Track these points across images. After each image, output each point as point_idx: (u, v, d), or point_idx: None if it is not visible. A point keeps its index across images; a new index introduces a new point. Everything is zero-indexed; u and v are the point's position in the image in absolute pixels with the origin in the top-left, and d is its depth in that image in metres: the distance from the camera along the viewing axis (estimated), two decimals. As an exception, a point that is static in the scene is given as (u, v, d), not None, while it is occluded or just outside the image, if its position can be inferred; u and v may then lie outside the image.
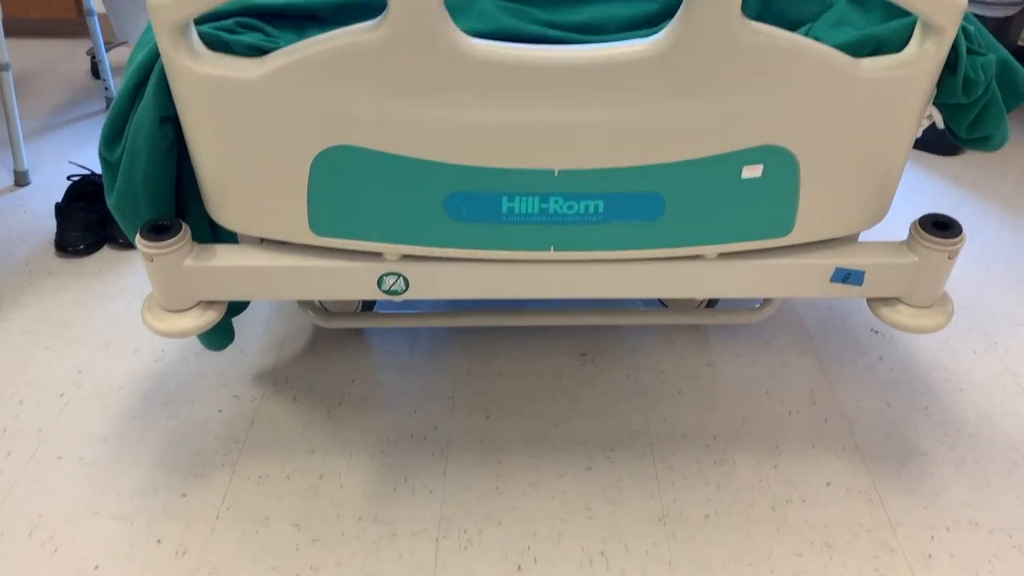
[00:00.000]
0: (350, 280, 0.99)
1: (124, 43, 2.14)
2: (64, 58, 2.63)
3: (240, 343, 1.43)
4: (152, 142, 0.93)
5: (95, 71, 2.43)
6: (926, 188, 1.91)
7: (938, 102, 0.94)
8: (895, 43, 0.87)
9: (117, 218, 1.00)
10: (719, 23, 0.79)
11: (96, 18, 2.13)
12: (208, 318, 1.02)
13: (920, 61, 0.86)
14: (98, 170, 1.72)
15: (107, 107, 2.27)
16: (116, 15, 1.84)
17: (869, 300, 1.05)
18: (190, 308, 1.02)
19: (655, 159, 0.88)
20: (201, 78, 0.85)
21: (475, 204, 0.91)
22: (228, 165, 0.92)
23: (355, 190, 0.91)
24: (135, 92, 0.94)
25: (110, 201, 0.99)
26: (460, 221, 0.93)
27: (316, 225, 0.95)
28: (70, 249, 1.65)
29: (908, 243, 1.00)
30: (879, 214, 0.98)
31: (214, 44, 0.87)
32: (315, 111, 0.86)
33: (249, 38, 0.86)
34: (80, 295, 1.56)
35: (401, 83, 0.83)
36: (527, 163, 0.88)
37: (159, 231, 0.97)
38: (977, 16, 1.81)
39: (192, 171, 0.99)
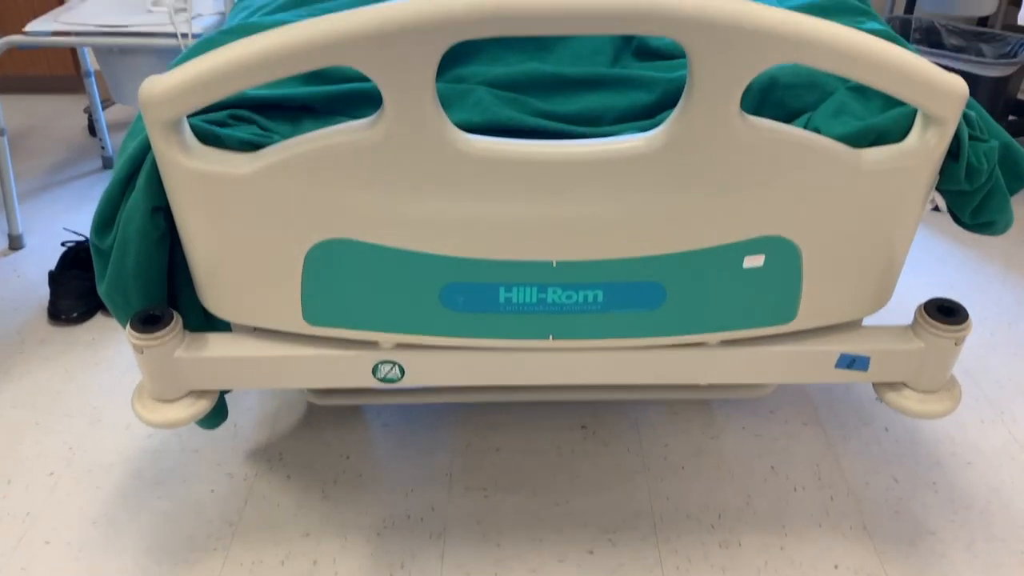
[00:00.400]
0: (345, 369, 0.97)
1: (121, 102, 2.14)
2: (62, 114, 2.63)
3: (234, 417, 1.41)
4: (143, 232, 0.91)
5: (92, 129, 2.43)
6: (925, 246, 1.90)
7: (941, 188, 0.93)
8: (896, 132, 0.86)
9: (108, 306, 0.98)
10: (717, 120, 0.78)
11: (93, 78, 2.13)
12: (200, 407, 1.00)
13: (922, 152, 0.84)
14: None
15: (103, 166, 2.26)
16: (112, 79, 1.84)
17: (875, 384, 1.02)
18: (181, 398, 1.00)
19: (655, 250, 0.87)
20: (193, 173, 0.84)
21: (472, 295, 0.89)
22: (220, 257, 0.91)
23: (349, 281, 0.90)
24: (127, 182, 0.92)
25: (101, 289, 0.97)
26: (456, 311, 0.91)
27: (310, 315, 0.93)
28: (63, 317, 1.63)
29: (913, 328, 0.98)
30: (883, 299, 0.97)
31: (206, 137, 0.86)
32: (309, 206, 0.84)
33: (242, 133, 0.85)
34: (72, 366, 1.53)
35: (397, 180, 0.82)
36: (525, 255, 0.87)
37: (150, 322, 0.95)
38: (976, 75, 1.81)
39: (185, 256, 0.97)
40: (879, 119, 0.85)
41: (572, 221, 0.84)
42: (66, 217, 2.02)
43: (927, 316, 0.95)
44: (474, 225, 0.85)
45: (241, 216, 0.86)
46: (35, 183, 2.20)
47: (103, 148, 2.24)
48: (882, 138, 0.86)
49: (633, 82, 0.92)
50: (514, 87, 0.93)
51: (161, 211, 0.92)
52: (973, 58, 1.81)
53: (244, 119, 0.89)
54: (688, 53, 0.74)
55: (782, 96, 0.90)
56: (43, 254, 1.88)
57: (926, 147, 0.84)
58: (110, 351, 1.57)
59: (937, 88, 0.79)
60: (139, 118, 0.97)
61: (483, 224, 0.84)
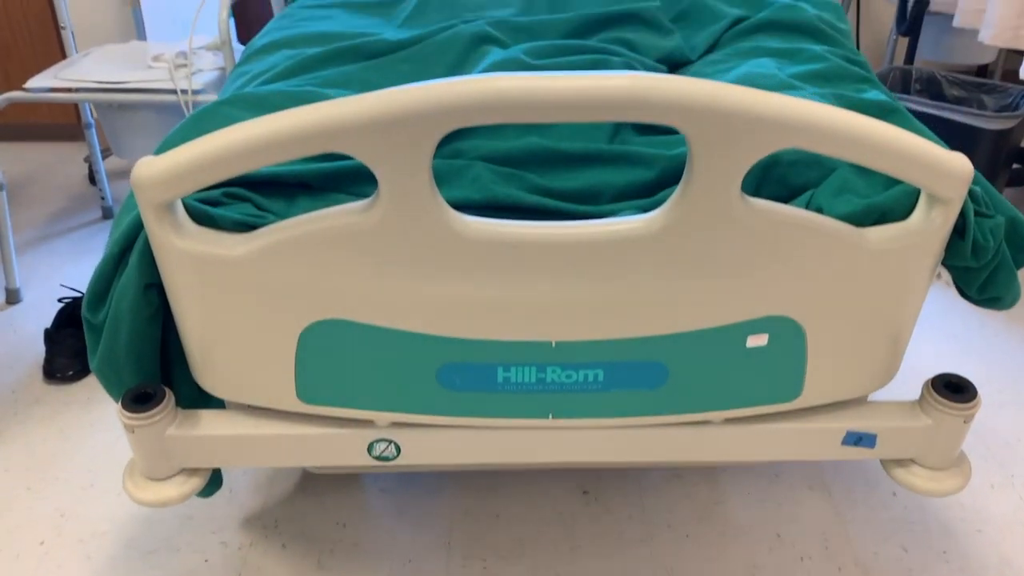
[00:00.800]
0: (339, 447, 0.95)
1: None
2: (63, 162, 2.62)
3: (229, 482, 1.38)
4: (136, 310, 0.90)
5: (92, 178, 2.43)
6: (930, 298, 1.88)
7: (946, 263, 0.91)
8: (900, 211, 0.84)
9: (100, 381, 0.96)
10: (717, 204, 0.76)
11: (94, 130, 2.13)
12: (192, 485, 0.98)
13: (927, 231, 0.83)
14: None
15: (103, 216, 2.26)
16: (112, 134, 1.84)
17: (882, 460, 1.00)
18: (173, 476, 0.98)
19: (656, 331, 0.85)
20: (186, 254, 0.83)
21: (469, 374, 0.88)
22: (213, 335, 0.89)
23: (344, 361, 0.88)
24: (120, 258, 0.91)
25: (93, 364, 0.96)
26: (454, 391, 0.89)
27: (304, 394, 0.91)
28: (58, 376, 1.61)
29: (921, 404, 0.96)
30: (890, 374, 0.95)
31: (200, 217, 0.84)
32: (303, 288, 0.83)
33: (236, 213, 0.84)
34: (67, 426, 1.51)
35: (393, 263, 0.80)
36: (523, 335, 0.85)
37: (141, 400, 0.93)
38: (979, 128, 1.80)
39: (178, 331, 0.96)
40: (882, 198, 0.84)
41: (571, 302, 0.83)
42: (64, 270, 2.01)
43: (935, 393, 0.93)
44: (471, 306, 0.83)
45: (235, 296, 0.85)
46: (34, 233, 2.19)
47: (103, 198, 2.24)
48: (886, 216, 0.84)
49: (632, 159, 0.90)
50: (512, 162, 0.92)
51: (154, 287, 0.91)
52: (975, 111, 1.81)
53: (239, 197, 0.88)
54: (687, 140, 0.72)
55: (784, 173, 0.88)
56: (40, 308, 1.86)
57: (931, 226, 0.83)
58: (105, 410, 1.55)
59: (941, 170, 0.78)
60: (132, 194, 0.96)
61: (480, 305, 0.83)
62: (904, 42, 2.32)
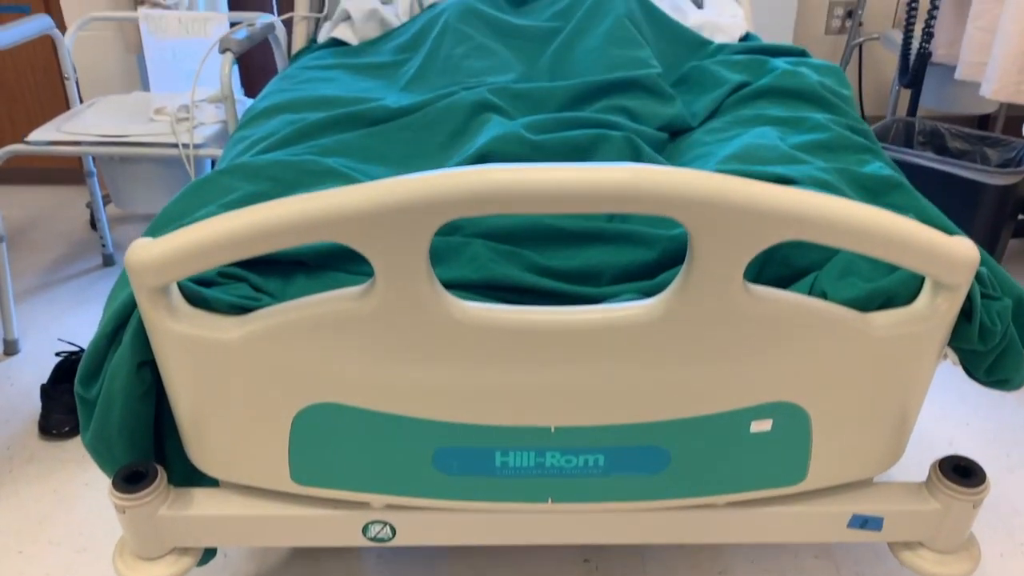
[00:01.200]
0: (334, 529, 0.93)
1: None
2: (64, 206, 2.62)
3: (222, 547, 1.36)
4: (128, 389, 0.89)
5: (94, 224, 2.42)
6: (936, 353, 1.86)
7: (953, 345, 0.89)
8: (905, 294, 0.83)
9: (92, 457, 0.95)
10: (719, 294, 0.75)
11: (95, 178, 2.13)
12: (184, 564, 0.96)
13: (932, 317, 0.81)
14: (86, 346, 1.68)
15: (103, 263, 2.25)
16: (113, 185, 1.84)
17: (890, 543, 0.98)
18: (164, 555, 0.96)
19: (657, 417, 0.83)
20: (180, 336, 0.82)
21: (466, 459, 0.86)
22: (207, 415, 0.87)
23: (339, 444, 0.86)
24: (113, 336, 0.90)
25: (85, 440, 0.94)
26: (450, 474, 0.87)
27: (298, 475, 0.90)
28: (53, 432, 1.59)
29: (928, 487, 0.94)
30: (896, 456, 0.93)
31: (194, 298, 0.83)
32: (297, 372, 0.82)
33: (230, 296, 0.82)
34: (61, 486, 1.49)
35: (389, 349, 0.79)
36: (522, 421, 0.83)
37: (133, 479, 0.91)
38: (982, 183, 1.80)
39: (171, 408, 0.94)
40: (887, 282, 0.82)
41: (570, 388, 0.81)
42: (64, 320, 2.00)
43: (943, 477, 0.91)
44: (469, 391, 0.82)
45: (228, 379, 0.84)
46: (34, 281, 2.18)
47: (104, 245, 2.23)
48: (891, 301, 0.83)
49: (633, 238, 0.89)
50: (511, 239, 0.91)
51: (148, 365, 0.90)
52: (979, 166, 1.80)
53: (234, 276, 0.87)
54: (688, 232, 0.71)
55: (787, 254, 0.87)
56: (38, 360, 1.85)
57: (936, 312, 0.81)
58: (100, 470, 1.53)
59: (946, 258, 0.77)
60: (126, 271, 0.95)
61: (478, 390, 0.81)
62: (907, 90, 2.32)
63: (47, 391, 1.60)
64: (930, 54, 2.11)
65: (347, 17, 1.59)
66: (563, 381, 0.81)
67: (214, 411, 0.87)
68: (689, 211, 0.70)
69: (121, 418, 0.90)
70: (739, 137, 1.12)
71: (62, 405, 1.59)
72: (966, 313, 0.85)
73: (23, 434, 1.62)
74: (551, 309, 0.78)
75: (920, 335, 0.82)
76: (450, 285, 0.87)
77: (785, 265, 0.88)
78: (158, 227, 0.99)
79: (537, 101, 1.19)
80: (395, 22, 1.57)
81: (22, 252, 2.32)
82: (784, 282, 0.88)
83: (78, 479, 1.50)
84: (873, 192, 0.99)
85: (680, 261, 0.88)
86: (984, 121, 2.64)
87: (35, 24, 1.84)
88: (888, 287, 0.82)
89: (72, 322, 1.99)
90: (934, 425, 1.64)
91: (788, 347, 0.80)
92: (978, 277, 0.86)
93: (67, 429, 1.59)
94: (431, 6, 1.56)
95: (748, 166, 1.01)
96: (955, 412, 1.67)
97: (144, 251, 0.77)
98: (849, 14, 2.81)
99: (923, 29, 2.09)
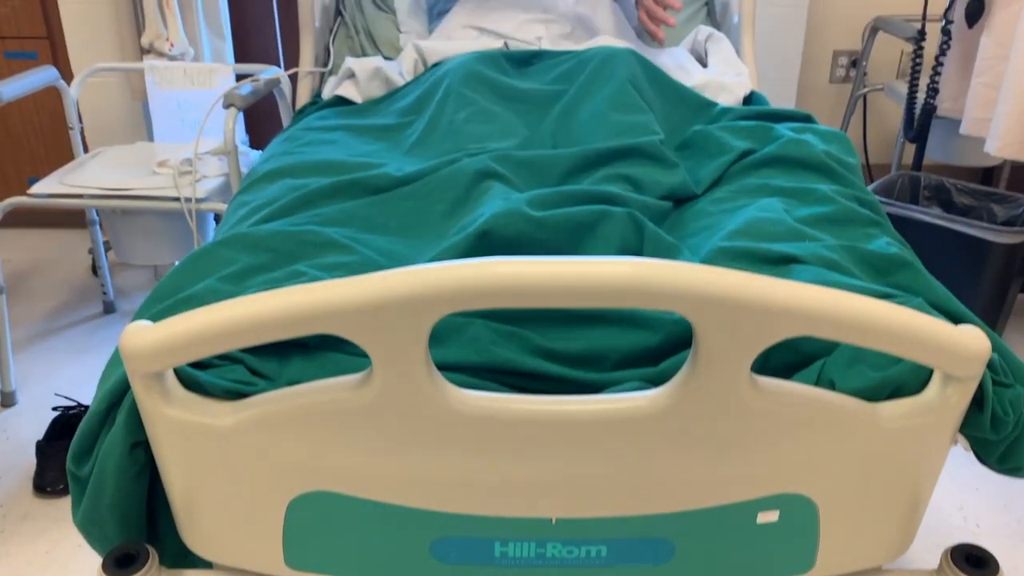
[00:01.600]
0: (329, 614, 0.91)
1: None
2: (67, 250, 2.62)
3: (218, 615, 1.33)
4: (121, 469, 0.87)
5: (95, 269, 2.42)
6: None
7: (964, 432, 0.88)
8: (915, 383, 0.81)
9: (83, 536, 0.93)
10: (725, 387, 0.73)
11: (98, 226, 2.12)
12: (174, 648, 0.93)
13: (942, 408, 0.80)
14: (84, 400, 1.67)
15: (104, 311, 2.24)
16: (115, 237, 1.84)
17: (899, 632, 0.95)
18: (154, 639, 0.93)
19: (661, 509, 0.81)
20: (173, 421, 0.80)
21: (465, 549, 0.84)
22: (200, 499, 0.86)
23: (334, 531, 0.84)
24: (106, 415, 0.88)
25: (76, 519, 0.92)
26: (447, 563, 0.85)
27: (292, 560, 0.88)
28: (48, 489, 1.57)
29: (939, 576, 0.91)
30: (906, 544, 0.91)
31: (188, 381, 0.82)
32: (291, 460, 0.80)
33: (225, 381, 0.81)
34: (54, 547, 1.47)
35: (387, 439, 0.77)
36: (522, 512, 0.81)
37: (124, 561, 0.89)
38: (989, 242, 1.78)
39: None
40: (896, 371, 0.81)
41: (572, 479, 0.79)
42: (62, 371, 1.99)
43: (955, 567, 0.89)
44: (468, 482, 0.80)
45: (222, 464, 0.82)
46: (33, 329, 2.17)
47: (104, 293, 2.23)
48: (900, 390, 0.81)
49: (637, 321, 0.88)
50: (513, 319, 0.90)
51: (142, 444, 0.88)
52: (986, 224, 1.79)
53: (230, 357, 0.86)
54: (693, 327, 0.70)
55: (795, 340, 0.85)
56: (35, 413, 1.83)
57: (947, 404, 0.80)
58: (94, 530, 1.51)
59: (956, 351, 0.75)
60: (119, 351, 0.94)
61: (477, 481, 0.79)
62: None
63: (42, 448, 1.58)
64: (935, 108, 2.11)
65: (351, 75, 1.59)
66: (565, 472, 0.79)
67: (207, 495, 0.85)
68: (694, 307, 0.68)
69: (113, 498, 0.88)
70: (744, 208, 1.11)
71: (57, 462, 1.57)
72: (977, 402, 0.83)
73: (17, 490, 1.60)
74: (553, 399, 0.76)
75: (930, 426, 0.80)
76: (449, 367, 0.86)
77: (793, 351, 0.86)
78: (156, 300, 0.97)
79: (539, 169, 1.18)
80: (399, 81, 1.57)
81: (22, 298, 2.32)
82: (791, 368, 0.86)
83: (71, 540, 1.48)
84: (881, 271, 0.98)
85: (685, 345, 0.86)
86: (989, 173, 2.63)
87: (41, 76, 1.85)
88: (897, 377, 0.80)
89: (71, 373, 1.97)
90: (944, 490, 1.61)
91: (795, 439, 0.78)
92: (990, 364, 0.84)
93: (62, 487, 1.57)
94: (435, 65, 1.56)
95: (754, 243, 0.99)
96: (966, 476, 1.65)
97: (139, 337, 0.75)
98: (853, 63, 2.82)
99: (928, 85, 2.09)
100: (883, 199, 1.93)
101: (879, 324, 0.71)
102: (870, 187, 1.98)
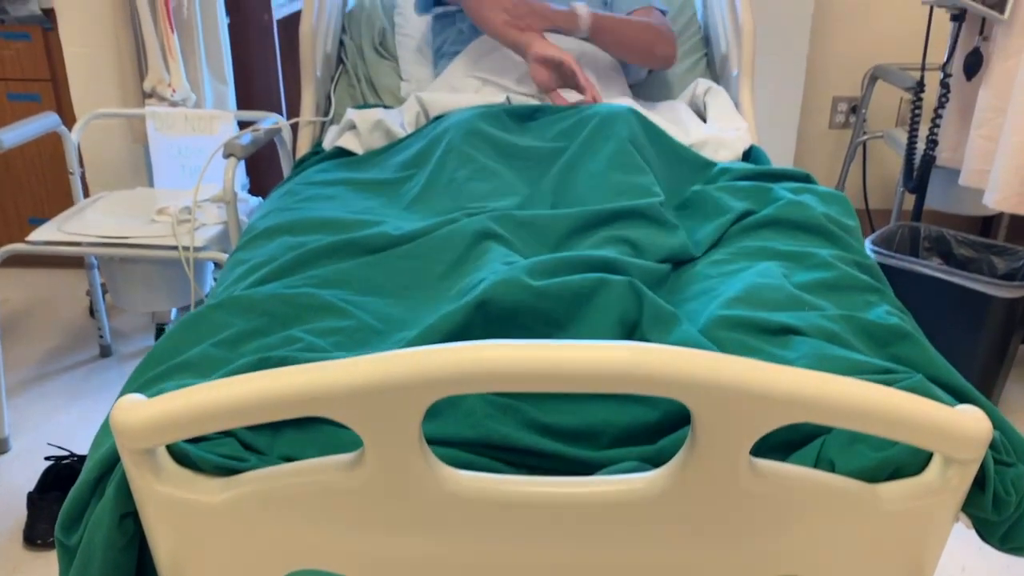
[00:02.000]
0: None
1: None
2: (65, 290, 2.62)
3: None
4: (110, 540, 0.85)
5: (93, 311, 2.41)
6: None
7: (966, 511, 0.86)
8: (915, 464, 0.80)
9: (70, 606, 0.91)
10: (724, 470, 0.72)
11: (96, 270, 2.12)
12: None
13: (943, 491, 0.79)
14: (78, 450, 1.66)
15: (100, 354, 2.23)
16: (112, 283, 1.83)
17: None
18: None
19: (658, 590, 0.80)
20: (163, 497, 0.79)
21: (458, 629, 0.82)
22: (189, 574, 0.84)
23: (326, 608, 0.83)
24: (96, 484, 0.87)
25: (63, 589, 0.91)
26: (442, 642, 0.83)
27: (283, 637, 0.86)
28: (39, 542, 1.55)
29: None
30: (908, 624, 0.89)
31: (179, 455, 0.81)
32: (282, 539, 0.79)
33: (217, 456, 0.80)
34: (42, 602, 1.45)
35: (378, 521, 0.76)
36: (516, 593, 0.80)
37: (110, 636, 0.88)
38: (989, 295, 1.78)
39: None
40: (896, 452, 0.79)
41: (566, 562, 0.78)
42: (56, 417, 1.97)
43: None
44: (460, 564, 0.78)
45: (212, 541, 0.81)
46: (29, 372, 2.16)
47: (101, 336, 2.22)
48: (900, 471, 0.80)
49: (634, 396, 0.87)
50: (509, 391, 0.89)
51: (131, 516, 0.87)
52: (987, 278, 1.78)
53: (222, 431, 0.85)
54: (691, 413, 0.69)
55: (793, 418, 0.85)
56: (28, 460, 1.82)
57: (948, 485, 0.78)
58: (84, 585, 1.48)
59: (957, 436, 0.74)
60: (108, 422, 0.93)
61: (470, 563, 0.78)
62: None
63: (34, 500, 1.56)
64: (934, 159, 2.11)
65: (352, 127, 1.60)
66: (559, 555, 0.77)
67: (197, 570, 0.84)
68: (692, 394, 0.68)
69: (101, 571, 0.87)
70: (743, 272, 1.11)
71: (48, 514, 1.55)
72: (979, 481, 0.82)
73: (8, 541, 1.58)
74: (548, 480, 0.75)
75: (931, 508, 0.79)
76: (444, 441, 0.85)
77: (791, 429, 0.84)
78: (150, 366, 0.97)
79: (539, 230, 1.18)
80: (400, 133, 1.57)
81: (19, 339, 2.31)
82: (791, 446, 0.85)
83: (61, 595, 1.46)
84: (881, 341, 0.97)
85: (683, 422, 0.85)
86: (988, 222, 2.64)
87: (42, 123, 1.86)
88: (897, 457, 0.79)
89: (65, 419, 1.96)
90: (946, 550, 1.59)
91: (794, 522, 0.77)
92: (991, 443, 0.83)
93: (52, 540, 1.55)
94: (437, 118, 1.57)
95: (753, 311, 0.99)
96: (968, 536, 1.62)
97: (130, 414, 0.74)
98: (853, 109, 2.84)
99: (927, 136, 2.10)
100: (883, 251, 1.92)
101: (878, 411, 0.71)
102: (870, 238, 1.98)
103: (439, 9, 1.91)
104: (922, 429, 0.72)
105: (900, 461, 0.80)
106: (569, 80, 1.60)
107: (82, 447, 1.74)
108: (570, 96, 1.63)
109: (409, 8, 1.94)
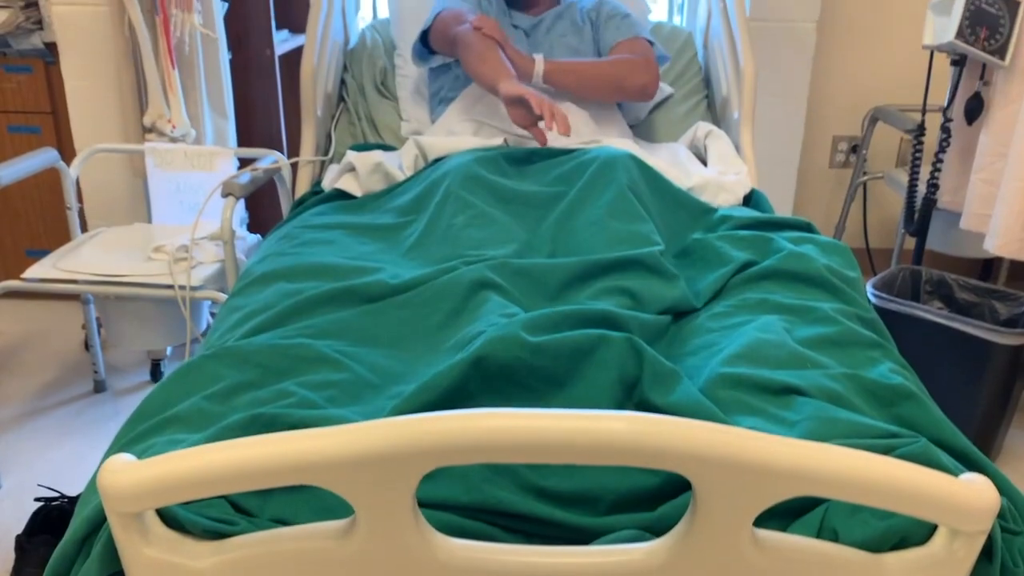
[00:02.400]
0: None
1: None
2: (60, 323, 2.59)
3: None
4: (95, 603, 0.83)
5: (88, 345, 2.39)
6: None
7: (973, 579, 0.84)
8: (920, 533, 0.78)
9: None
10: (725, 542, 0.71)
11: (91, 305, 2.10)
12: None
13: (949, 563, 0.77)
14: (69, 490, 1.63)
15: (94, 390, 2.21)
16: (107, 321, 1.82)
17: None
18: None
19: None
20: (151, 561, 0.77)
21: None
22: (175, 638, 0.82)
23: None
24: (82, 542, 0.85)
25: (44, 647, 0.89)
26: None
27: None
28: (26, 586, 1.52)
29: None
30: None
31: (168, 517, 0.79)
32: (272, 606, 0.76)
33: (205, 520, 0.78)
34: (27, 650, 1.42)
35: (369, 590, 0.74)
36: (510, 664, 0.78)
37: None
38: (991, 343, 1.76)
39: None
40: (900, 521, 0.78)
41: (563, 633, 0.76)
42: (48, 455, 1.94)
43: None
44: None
45: (199, 606, 0.78)
46: (22, 407, 2.13)
47: (96, 371, 2.20)
48: (905, 541, 0.78)
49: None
50: (506, 450, 0.87)
51: (118, 575, 0.85)
52: (989, 325, 1.77)
53: (212, 491, 0.83)
54: (692, 485, 0.67)
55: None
56: (17, 498, 1.79)
57: (954, 557, 0.76)
58: (70, 632, 1.45)
59: (963, 509, 0.72)
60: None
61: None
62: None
63: (22, 543, 1.53)
64: (935, 203, 2.11)
65: (352, 168, 1.59)
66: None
67: (183, 634, 0.81)
68: (692, 467, 0.66)
69: (85, 633, 0.85)
70: (745, 326, 1.09)
71: (37, 558, 1.52)
72: (986, 551, 0.80)
73: (-5, 584, 1.55)
74: (544, 550, 0.73)
75: (937, 580, 0.77)
76: (438, 504, 0.83)
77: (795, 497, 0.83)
78: (141, 419, 0.95)
79: (537, 279, 1.17)
80: (399, 176, 1.57)
81: (13, 373, 2.29)
82: (794, 513, 0.83)
83: (47, 642, 1.43)
84: (884, 402, 0.96)
85: (683, 487, 0.84)
86: (989, 264, 2.63)
87: (41, 158, 1.85)
88: (902, 527, 0.78)
89: (57, 456, 1.93)
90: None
91: (797, 595, 0.75)
92: (998, 511, 0.81)
93: (40, 583, 1.52)
94: (435, 161, 1.56)
95: (755, 369, 0.97)
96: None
97: (119, 477, 0.73)
98: (853, 149, 2.84)
99: (928, 180, 2.09)
100: (884, 296, 1.91)
101: (882, 484, 0.69)
102: (871, 282, 1.97)
103: (436, 61, 1.91)
104: (928, 502, 0.71)
105: (905, 530, 0.78)
106: (537, 114, 1.56)
107: (73, 487, 1.71)
108: (550, 135, 1.59)
109: (408, 51, 1.95)
